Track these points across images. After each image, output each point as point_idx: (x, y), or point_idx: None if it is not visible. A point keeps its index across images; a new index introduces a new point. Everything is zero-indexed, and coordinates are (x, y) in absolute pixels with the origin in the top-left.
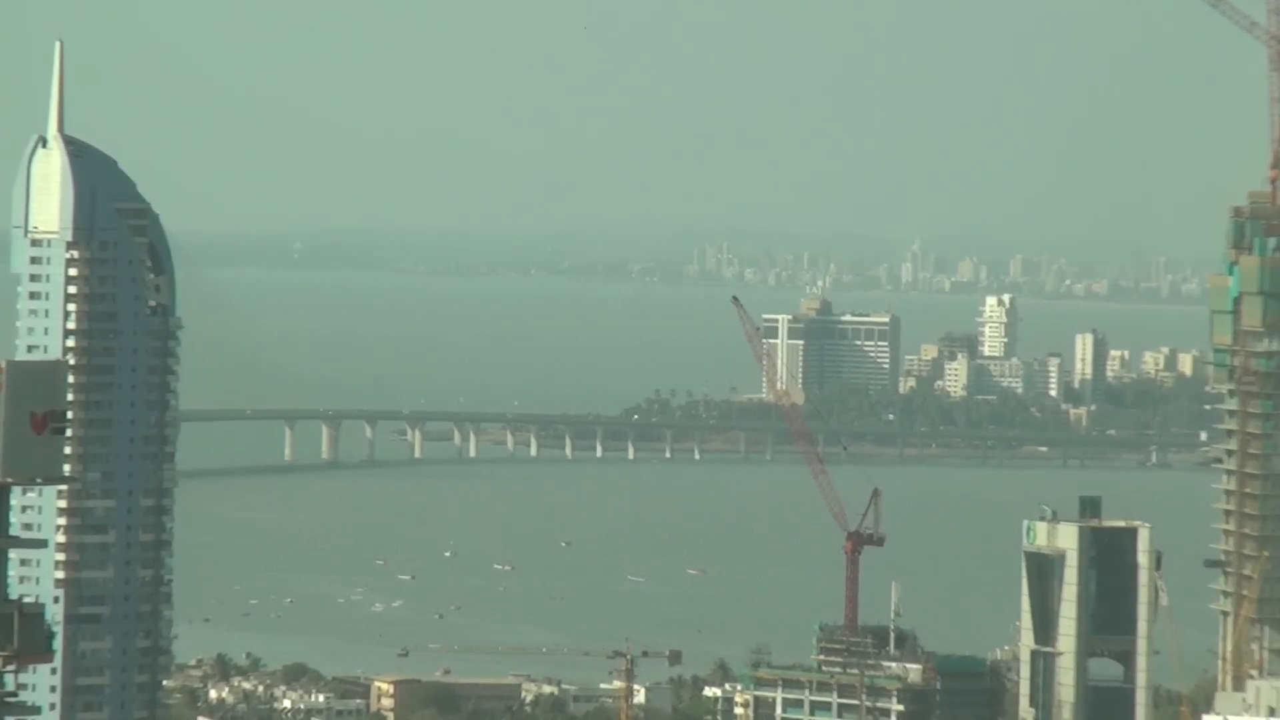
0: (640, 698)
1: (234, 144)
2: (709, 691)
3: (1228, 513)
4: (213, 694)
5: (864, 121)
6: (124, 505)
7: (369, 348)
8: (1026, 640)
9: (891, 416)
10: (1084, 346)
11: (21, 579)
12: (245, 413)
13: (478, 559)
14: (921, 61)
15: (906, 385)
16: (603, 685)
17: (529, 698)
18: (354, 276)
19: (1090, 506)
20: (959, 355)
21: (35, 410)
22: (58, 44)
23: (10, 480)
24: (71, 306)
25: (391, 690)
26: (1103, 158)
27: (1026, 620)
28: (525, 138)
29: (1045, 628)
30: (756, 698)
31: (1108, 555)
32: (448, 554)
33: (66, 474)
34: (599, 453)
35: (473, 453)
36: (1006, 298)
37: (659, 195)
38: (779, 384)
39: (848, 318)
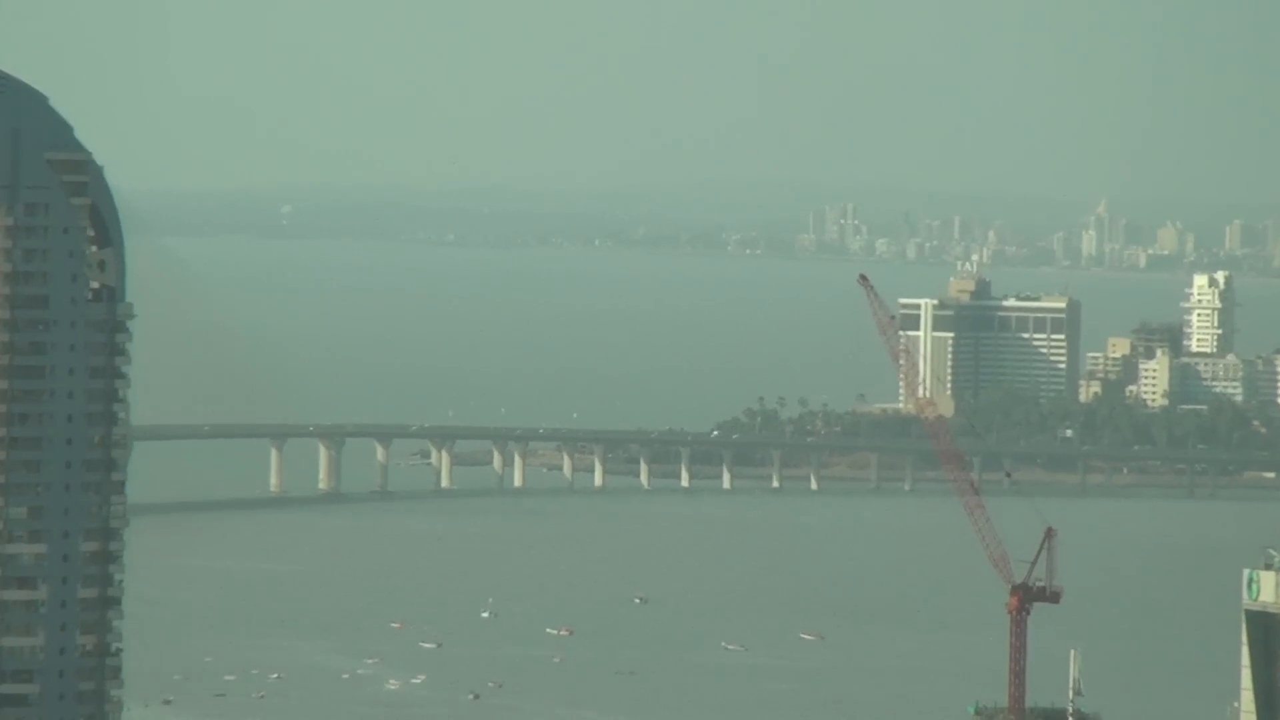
0: None
1: (203, 81)
2: None
3: None
4: None
5: (1028, 54)
6: (58, 551)
7: (380, 343)
8: None
9: (1070, 433)
10: None
11: None
12: (218, 429)
13: (525, 621)
14: None
15: (1089, 392)
16: None
17: None
18: (360, 249)
19: None
20: (1158, 352)
21: None
22: None
23: None
24: None
25: None
26: None
27: (1247, 700)
28: (582, 74)
29: (1272, 709)
30: None
31: None
32: (485, 614)
33: None
34: (684, 481)
35: (518, 481)
36: (1220, 276)
37: (763, 146)
38: (922, 391)
39: (1011, 303)
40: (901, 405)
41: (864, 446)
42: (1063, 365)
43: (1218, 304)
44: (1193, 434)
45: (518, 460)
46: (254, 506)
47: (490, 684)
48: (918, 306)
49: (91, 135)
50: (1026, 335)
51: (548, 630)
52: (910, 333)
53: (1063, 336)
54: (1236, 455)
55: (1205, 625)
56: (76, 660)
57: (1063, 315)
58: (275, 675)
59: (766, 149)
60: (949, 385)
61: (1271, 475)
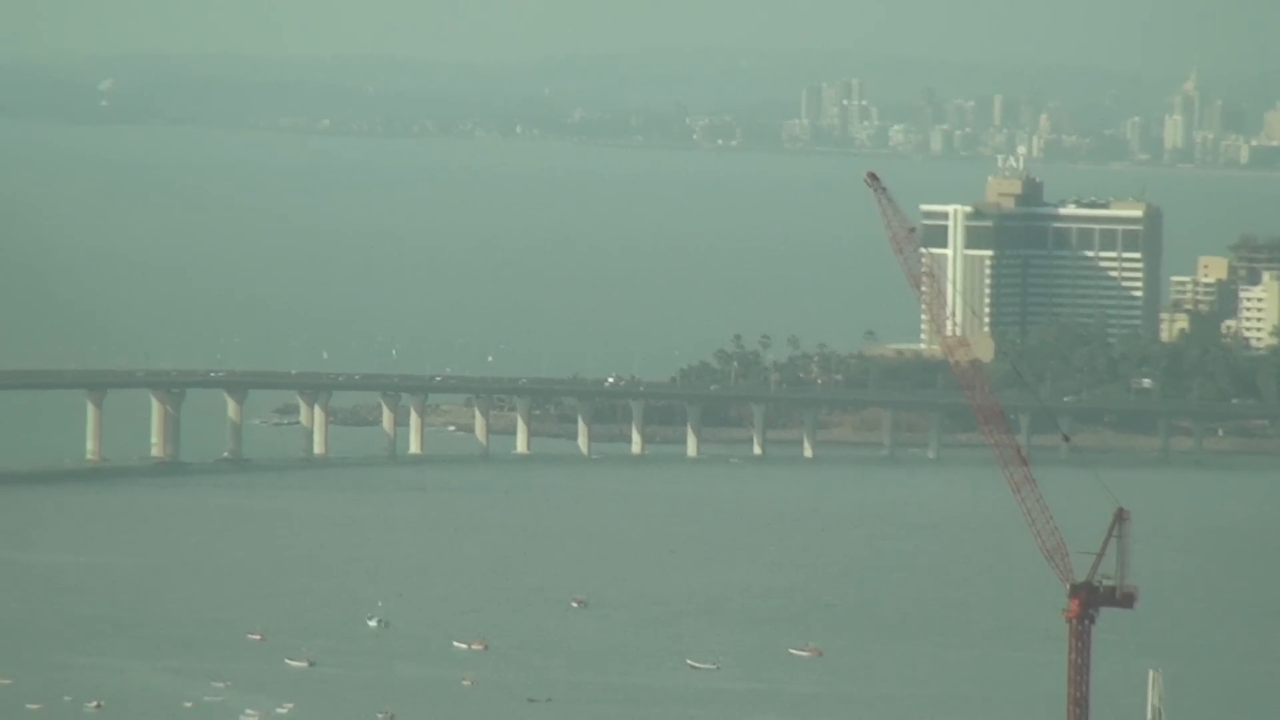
0: None
1: None
2: None
3: None
4: None
5: None
6: None
7: (231, 264)
8: None
9: (1148, 383)
10: None
11: None
12: (14, 377)
13: (424, 632)
14: None
15: (1174, 329)
16: None
17: None
18: (203, 137)
19: None
20: (1265, 275)
21: None
22: None
23: None
24: None
25: None
26: None
27: None
28: None
29: None
30: None
31: None
32: (373, 622)
33: None
34: (636, 446)
35: (415, 446)
36: None
37: (734, 6)
38: (951, 327)
39: (1071, 210)
40: (924, 346)
41: (874, 401)
42: (1139, 293)
43: None
44: None
45: (414, 419)
46: (64, 480)
47: (379, 715)
48: (946, 215)
49: None
50: (1090, 254)
51: (455, 644)
52: (936, 250)
53: (1138, 255)
54: None
55: None
56: None
57: (1139, 227)
58: (95, 704)
59: (744, 9)
60: (987, 320)
61: None
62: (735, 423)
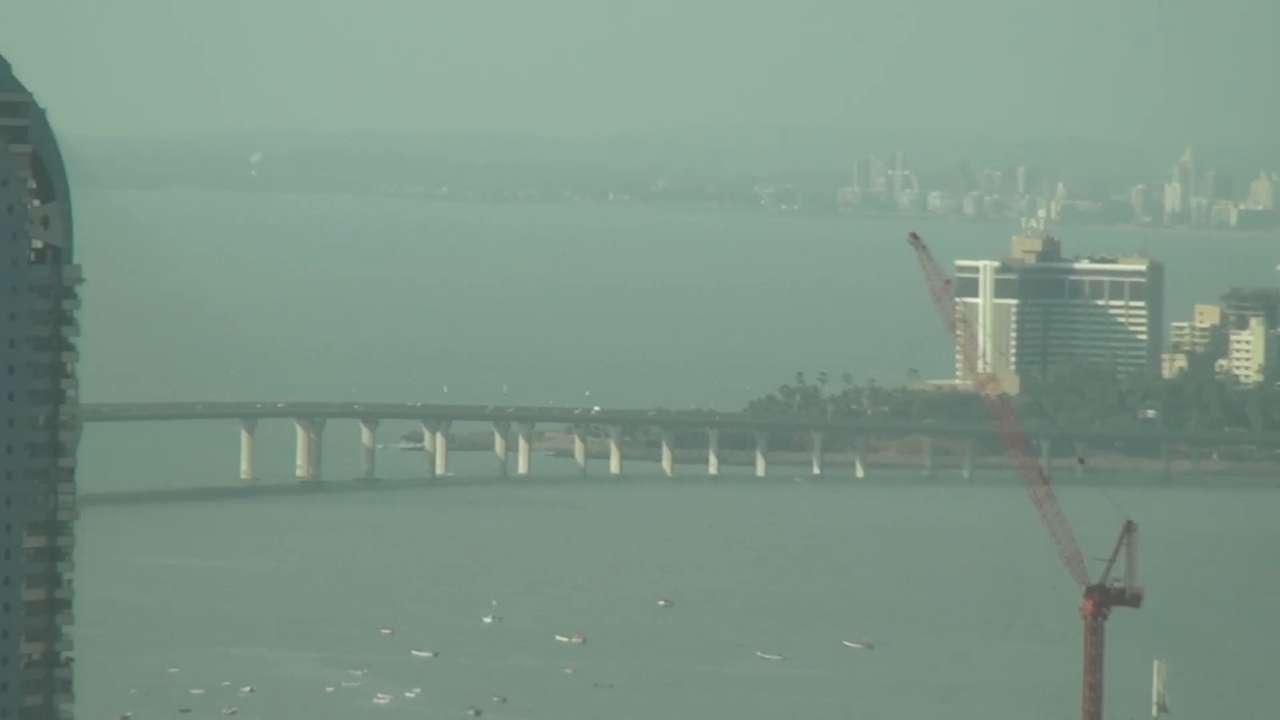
0: None
1: (161, 13)
2: None
3: None
4: None
5: None
6: None
7: (365, 311)
8: None
9: (1152, 413)
10: None
11: None
12: (179, 409)
13: (532, 627)
14: None
15: (1174, 367)
16: None
17: None
18: (339, 203)
19: None
20: (1252, 321)
21: None
22: None
23: None
24: None
25: None
26: None
27: None
28: (593, 6)
29: None
30: None
31: None
32: (488, 619)
33: None
34: (712, 467)
35: (523, 467)
36: None
37: (800, 87)
38: (981, 365)
39: (1084, 265)
40: (959, 381)
41: (916, 429)
42: (1143, 336)
43: None
44: None
45: (522, 444)
46: (222, 496)
47: (494, 698)
48: (977, 269)
49: (32, 74)
50: (1101, 302)
51: (558, 637)
52: (968, 299)
53: (1143, 304)
54: None
55: None
56: (21, 671)
57: (1143, 279)
58: (248, 689)
59: (804, 90)
60: (1013, 359)
61: None
62: (797, 447)
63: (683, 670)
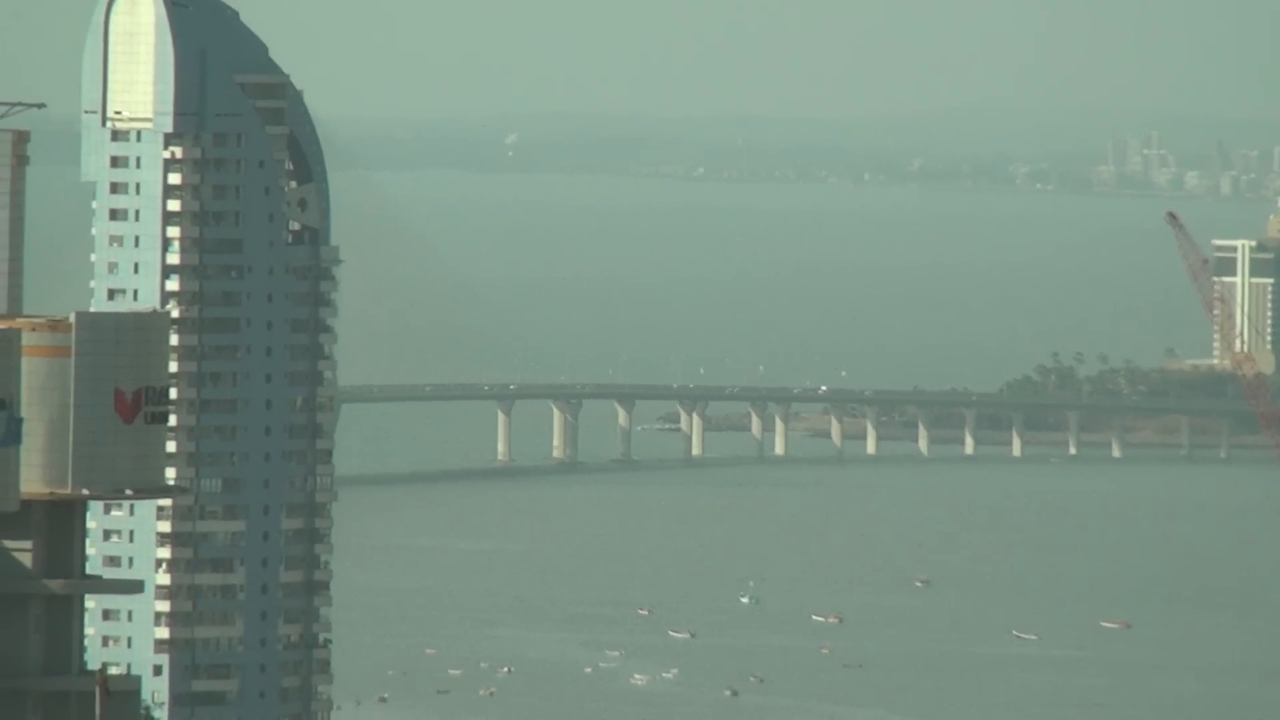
0: None
1: None
2: None
3: None
4: None
5: None
6: (258, 529)
7: (621, 292)
8: None
9: None
10: None
11: (106, 639)
12: (436, 390)
13: (789, 607)
14: None
15: None
16: None
17: None
18: (595, 184)
19: None
20: None
21: (122, 387)
22: None
23: (86, 493)
24: (174, 231)
25: None
26: None
27: None
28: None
29: None
30: None
31: None
32: (745, 599)
33: (171, 483)
34: (968, 448)
35: (779, 448)
36: None
37: (1055, 66)
38: (1239, 344)
39: None
40: (1216, 361)
41: (1173, 408)
42: None
43: None
44: None
45: (779, 425)
46: (478, 478)
47: (751, 678)
48: (1234, 249)
49: (289, 55)
50: None
51: (814, 617)
52: (1225, 278)
53: None
54: None
55: None
56: (279, 653)
57: None
58: (506, 669)
59: (1059, 69)
60: (1270, 338)
61: None
62: (1053, 427)
63: (939, 650)
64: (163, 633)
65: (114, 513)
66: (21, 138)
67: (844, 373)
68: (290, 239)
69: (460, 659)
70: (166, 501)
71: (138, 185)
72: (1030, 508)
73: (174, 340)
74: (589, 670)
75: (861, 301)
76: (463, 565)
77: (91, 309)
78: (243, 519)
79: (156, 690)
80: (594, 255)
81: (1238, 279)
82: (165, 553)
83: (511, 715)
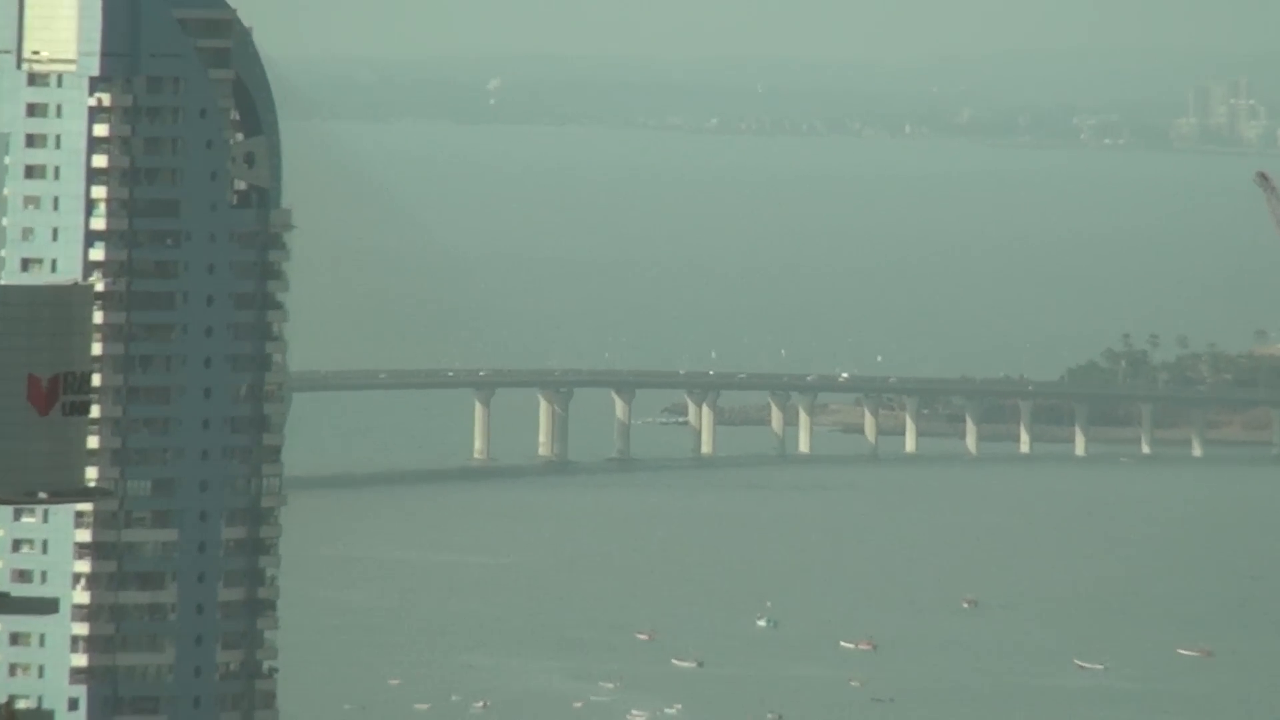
0: None
1: None
2: None
3: None
4: None
5: None
6: (193, 539)
7: (617, 261)
8: None
9: None
10: None
11: (14, 667)
12: (401, 377)
13: (813, 630)
14: None
15: None
16: None
17: None
18: (591, 137)
19: None
20: None
21: (37, 373)
22: None
23: None
24: (100, 191)
25: None
26: None
27: None
28: None
29: None
30: None
31: None
32: (761, 623)
33: (92, 484)
34: (1024, 445)
35: (803, 445)
36: None
37: (1123, 5)
38: None
39: None
40: None
41: (1264, 400)
42: None
43: None
44: None
45: (803, 418)
46: (452, 479)
47: (768, 716)
48: None
49: None
50: None
51: (843, 644)
52: None
53: None
54: None
55: None
56: (216, 684)
57: None
58: (482, 703)
59: (1131, 5)
60: None
61: None
62: (1123, 422)
63: (987, 682)
64: (80, 660)
65: (25, 519)
66: None
67: (879, 358)
68: (235, 200)
69: (429, 691)
70: (87, 506)
71: (58, 138)
72: (1096, 515)
73: (98, 318)
74: (579, 705)
75: (900, 275)
76: (432, 581)
77: (2, 281)
78: (175, 527)
79: None
80: (588, 222)
81: None
82: (84, 566)
83: None
